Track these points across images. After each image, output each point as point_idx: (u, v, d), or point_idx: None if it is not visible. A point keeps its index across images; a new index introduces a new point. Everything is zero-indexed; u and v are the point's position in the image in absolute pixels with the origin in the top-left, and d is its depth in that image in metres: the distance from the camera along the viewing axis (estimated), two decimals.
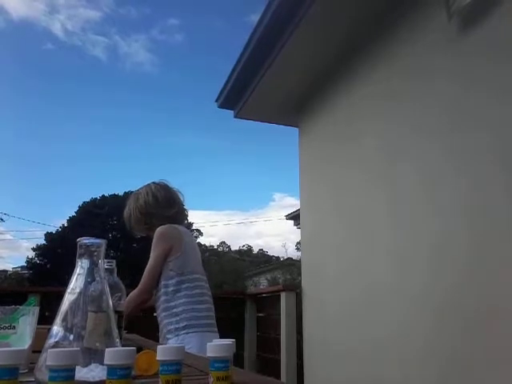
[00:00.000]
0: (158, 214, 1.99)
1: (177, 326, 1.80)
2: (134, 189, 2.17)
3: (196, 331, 1.80)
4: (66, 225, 21.18)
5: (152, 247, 1.89)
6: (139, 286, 1.88)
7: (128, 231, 2.10)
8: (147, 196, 2.02)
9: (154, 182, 2.09)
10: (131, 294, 1.86)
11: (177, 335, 1.78)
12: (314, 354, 3.25)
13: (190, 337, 1.77)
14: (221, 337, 1.82)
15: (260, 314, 4.33)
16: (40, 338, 0.83)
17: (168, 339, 1.80)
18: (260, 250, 36.80)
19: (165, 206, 2.01)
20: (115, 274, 1.11)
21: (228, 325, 3.85)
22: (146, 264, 1.91)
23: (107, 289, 0.84)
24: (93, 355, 0.74)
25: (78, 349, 0.59)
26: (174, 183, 2.12)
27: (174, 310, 1.83)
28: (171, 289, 1.85)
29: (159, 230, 1.92)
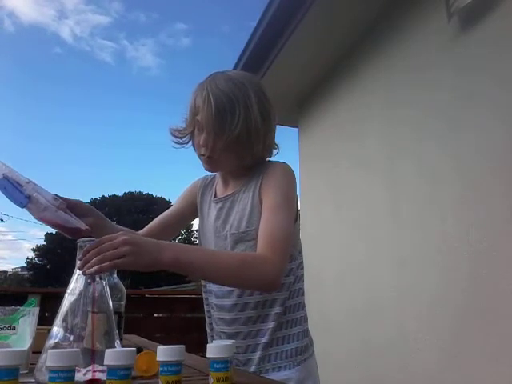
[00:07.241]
0: (272, 136, 1.17)
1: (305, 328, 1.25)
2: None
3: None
4: None
5: (279, 198, 1.07)
6: (276, 257, 1.00)
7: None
8: (266, 97, 1.13)
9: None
10: (258, 261, 1.00)
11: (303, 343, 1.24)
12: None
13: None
14: None
15: None
16: (40, 339, 0.83)
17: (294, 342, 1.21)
18: None
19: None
20: (115, 275, 1.11)
21: None
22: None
23: (107, 289, 0.84)
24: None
25: (78, 350, 0.59)
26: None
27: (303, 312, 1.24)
28: (293, 276, 1.17)
29: (289, 168, 1.16)
